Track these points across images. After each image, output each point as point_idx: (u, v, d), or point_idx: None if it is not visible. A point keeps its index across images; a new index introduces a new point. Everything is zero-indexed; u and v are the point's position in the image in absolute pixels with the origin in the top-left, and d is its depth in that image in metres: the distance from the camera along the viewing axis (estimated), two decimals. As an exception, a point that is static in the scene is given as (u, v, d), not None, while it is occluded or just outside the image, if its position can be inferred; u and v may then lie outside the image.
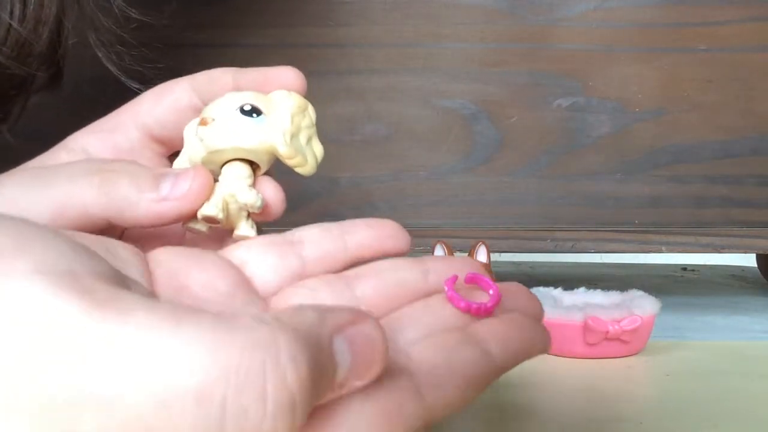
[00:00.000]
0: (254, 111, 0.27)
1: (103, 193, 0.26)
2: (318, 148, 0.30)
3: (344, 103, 0.61)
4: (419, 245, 0.58)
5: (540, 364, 0.37)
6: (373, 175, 0.61)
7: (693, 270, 1.05)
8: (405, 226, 0.59)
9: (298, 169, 0.29)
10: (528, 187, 0.61)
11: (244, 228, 0.28)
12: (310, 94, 0.61)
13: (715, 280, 0.94)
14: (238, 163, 0.27)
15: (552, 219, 0.60)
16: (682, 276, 0.99)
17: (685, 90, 0.60)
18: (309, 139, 0.30)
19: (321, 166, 0.59)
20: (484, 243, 0.39)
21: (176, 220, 0.27)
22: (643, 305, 0.38)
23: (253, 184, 0.28)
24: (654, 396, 0.32)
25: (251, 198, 0.27)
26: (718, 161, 0.60)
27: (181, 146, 0.30)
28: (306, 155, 0.29)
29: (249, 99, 0.28)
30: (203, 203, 0.26)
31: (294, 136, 0.29)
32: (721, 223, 0.60)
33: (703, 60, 0.60)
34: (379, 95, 0.61)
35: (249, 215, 0.28)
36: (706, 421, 0.28)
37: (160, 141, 0.32)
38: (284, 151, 0.28)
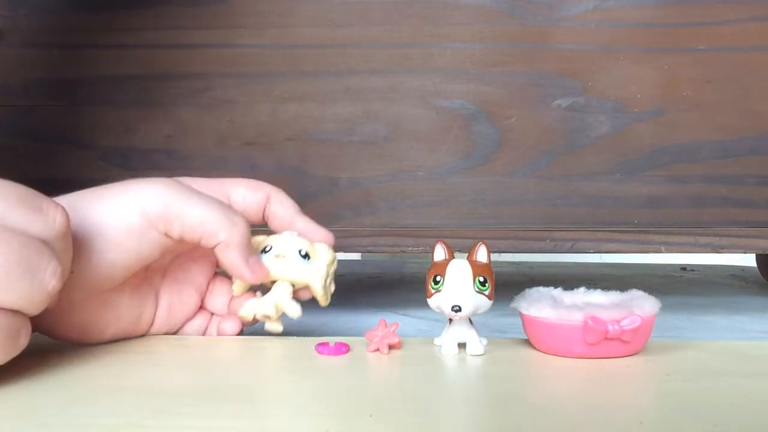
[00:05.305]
0: (307, 256, 0.42)
1: (228, 231, 0.39)
2: (332, 287, 0.44)
3: (344, 104, 0.61)
4: (419, 245, 0.58)
5: (539, 364, 0.37)
6: (373, 176, 0.61)
7: (693, 270, 1.05)
8: (405, 226, 0.60)
9: (319, 301, 0.43)
10: (527, 187, 0.61)
11: (276, 325, 0.42)
12: (309, 94, 0.63)
13: (714, 280, 0.94)
14: (286, 282, 0.42)
15: (551, 219, 0.60)
16: (681, 276, 0.99)
17: (684, 90, 0.60)
18: (331, 280, 0.43)
19: (320, 166, 0.60)
20: (483, 243, 0.39)
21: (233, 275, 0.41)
22: (643, 305, 0.38)
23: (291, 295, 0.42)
24: (654, 396, 0.32)
25: (294, 310, 0.41)
26: (718, 161, 0.60)
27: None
28: (328, 295, 0.43)
29: (304, 246, 0.42)
30: (256, 281, 0.41)
31: (325, 279, 0.42)
32: (720, 223, 0.60)
33: (703, 60, 0.60)
34: (379, 95, 0.61)
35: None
36: (706, 421, 0.28)
37: None
38: (319, 293, 0.42)
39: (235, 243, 0.39)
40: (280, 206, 0.44)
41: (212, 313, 0.45)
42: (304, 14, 0.61)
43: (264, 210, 0.44)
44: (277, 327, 0.42)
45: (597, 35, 0.60)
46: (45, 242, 0.30)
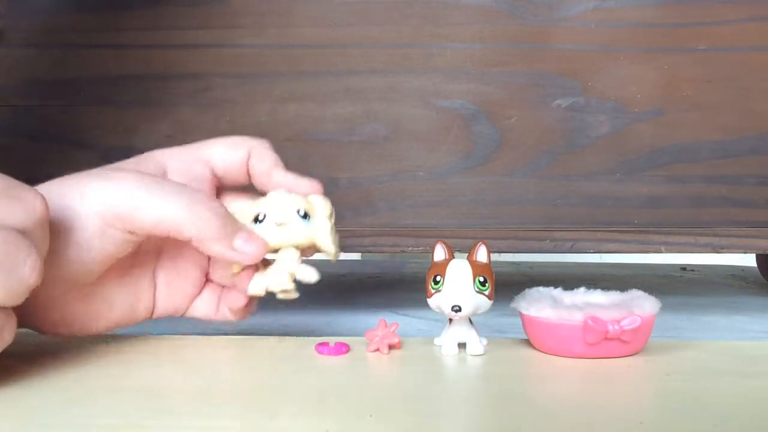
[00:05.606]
0: (306, 215, 0.38)
1: (196, 226, 0.35)
2: (337, 237, 0.40)
3: (343, 104, 0.60)
4: (419, 245, 0.58)
5: (539, 364, 0.37)
6: (373, 176, 0.61)
7: (693, 270, 1.05)
8: (404, 226, 0.60)
9: (331, 257, 0.39)
10: (527, 187, 0.61)
11: (291, 293, 0.38)
12: (309, 94, 0.63)
13: (714, 280, 0.94)
14: (292, 248, 0.38)
15: (551, 219, 0.60)
16: (681, 276, 0.99)
17: (684, 90, 0.60)
18: (335, 231, 0.40)
19: (320, 166, 0.60)
20: (483, 243, 0.39)
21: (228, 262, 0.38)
22: (643, 305, 0.38)
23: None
24: (654, 396, 0.32)
25: (310, 274, 0.38)
26: (718, 161, 0.60)
27: (228, 188, 0.42)
28: (338, 247, 0.40)
29: (301, 205, 0.38)
30: (255, 261, 0.38)
31: (331, 234, 0.39)
32: (720, 223, 0.60)
33: (703, 60, 0.60)
34: (379, 95, 0.61)
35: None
36: (706, 421, 0.28)
37: (218, 179, 0.42)
38: (330, 249, 0.39)
39: (208, 237, 0.35)
40: (259, 161, 0.41)
41: (222, 286, 0.42)
42: (304, 14, 0.61)
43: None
44: (293, 294, 0.38)
45: (597, 35, 0.60)
46: (23, 233, 0.29)
